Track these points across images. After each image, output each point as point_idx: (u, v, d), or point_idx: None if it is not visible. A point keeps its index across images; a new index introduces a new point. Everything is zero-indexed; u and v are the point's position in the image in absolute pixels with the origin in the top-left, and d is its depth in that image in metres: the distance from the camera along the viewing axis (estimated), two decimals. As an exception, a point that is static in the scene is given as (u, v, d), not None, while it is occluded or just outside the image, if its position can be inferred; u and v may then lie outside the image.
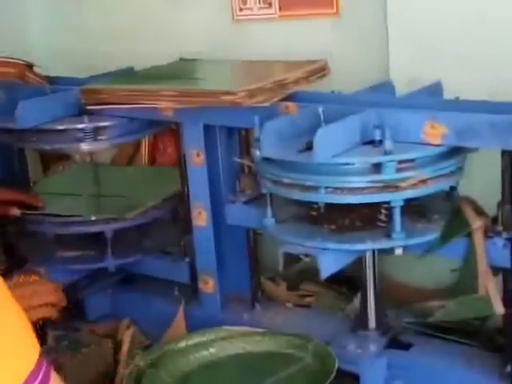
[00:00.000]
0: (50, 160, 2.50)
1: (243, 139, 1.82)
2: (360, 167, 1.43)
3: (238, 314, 1.81)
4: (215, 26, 2.24)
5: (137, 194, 2.03)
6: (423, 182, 1.44)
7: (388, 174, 1.40)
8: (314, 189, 1.45)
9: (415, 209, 1.54)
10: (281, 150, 1.47)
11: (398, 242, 1.47)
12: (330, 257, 1.46)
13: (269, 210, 1.57)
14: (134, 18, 2.44)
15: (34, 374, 0.87)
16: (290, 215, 1.60)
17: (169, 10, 2.35)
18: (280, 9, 2.13)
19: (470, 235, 1.48)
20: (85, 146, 1.84)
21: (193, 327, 1.76)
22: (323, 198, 1.46)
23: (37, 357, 0.89)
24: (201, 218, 1.80)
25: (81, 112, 1.85)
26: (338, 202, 1.46)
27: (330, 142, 1.40)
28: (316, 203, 1.56)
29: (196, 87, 1.78)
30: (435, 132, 1.43)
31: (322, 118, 1.50)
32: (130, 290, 2.00)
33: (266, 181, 1.55)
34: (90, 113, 1.83)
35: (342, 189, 1.44)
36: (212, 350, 1.61)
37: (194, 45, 2.21)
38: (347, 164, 1.42)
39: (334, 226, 1.53)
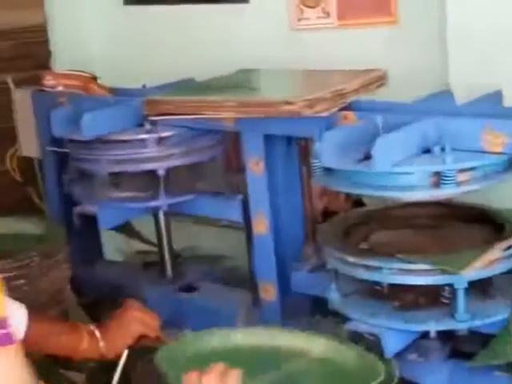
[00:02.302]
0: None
1: (302, 148, 1.83)
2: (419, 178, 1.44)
3: (298, 321, 1.82)
4: (273, 36, 2.25)
5: None
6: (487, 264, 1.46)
7: (448, 186, 1.41)
8: (378, 269, 1.51)
9: (479, 285, 1.53)
10: (340, 159, 1.49)
11: (462, 324, 1.50)
12: (394, 336, 1.51)
13: (333, 286, 1.62)
14: (192, 29, 2.47)
15: None
16: (354, 289, 1.63)
17: (227, 21, 2.37)
18: (338, 18, 2.13)
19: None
20: (148, 156, 1.88)
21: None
22: (386, 278, 1.52)
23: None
24: (261, 225, 1.81)
25: (143, 122, 1.88)
26: (401, 283, 1.51)
27: (388, 151, 1.41)
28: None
29: (256, 97, 1.80)
30: (496, 140, 1.42)
31: (381, 127, 1.51)
32: (190, 299, 2.01)
33: (331, 258, 1.60)
34: (152, 123, 1.87)
35: (404, 270, 1.49)
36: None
37: (252, 55, 2.23)
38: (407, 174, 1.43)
39: (397, 303, 1.57)
